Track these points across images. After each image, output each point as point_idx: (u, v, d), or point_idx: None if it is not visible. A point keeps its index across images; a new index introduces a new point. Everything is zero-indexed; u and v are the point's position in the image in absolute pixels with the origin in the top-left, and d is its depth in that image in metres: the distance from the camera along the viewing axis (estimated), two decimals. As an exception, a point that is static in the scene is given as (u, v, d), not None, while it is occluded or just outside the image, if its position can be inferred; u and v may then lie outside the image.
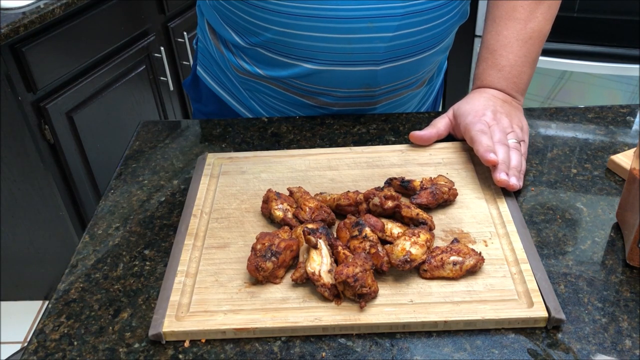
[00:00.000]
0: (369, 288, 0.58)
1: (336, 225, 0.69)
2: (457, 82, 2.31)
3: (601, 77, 2.12)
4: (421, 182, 0.73)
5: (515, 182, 0.73)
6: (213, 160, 0.82)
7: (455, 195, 0.73)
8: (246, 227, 0.71)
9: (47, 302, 1.39)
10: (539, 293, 0.60)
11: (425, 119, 0.92)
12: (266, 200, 0.71)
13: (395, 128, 0.90)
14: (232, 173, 0.80)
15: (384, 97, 0.94)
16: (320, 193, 0.73)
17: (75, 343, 0.60)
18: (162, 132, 0.93)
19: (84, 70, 1.72)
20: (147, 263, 0.69)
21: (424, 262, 0.62)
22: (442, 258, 0.62)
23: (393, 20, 0.82)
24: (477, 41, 2.17)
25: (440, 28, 0.88)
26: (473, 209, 0.72)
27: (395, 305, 0.60)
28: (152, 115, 2.05)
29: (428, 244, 0.63)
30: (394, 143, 0.87)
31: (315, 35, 0.83)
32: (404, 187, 0.74)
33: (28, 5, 1.51)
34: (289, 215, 0.69)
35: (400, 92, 0.95)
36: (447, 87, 2.33)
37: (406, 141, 0.85)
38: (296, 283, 0.62)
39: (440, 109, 1.15)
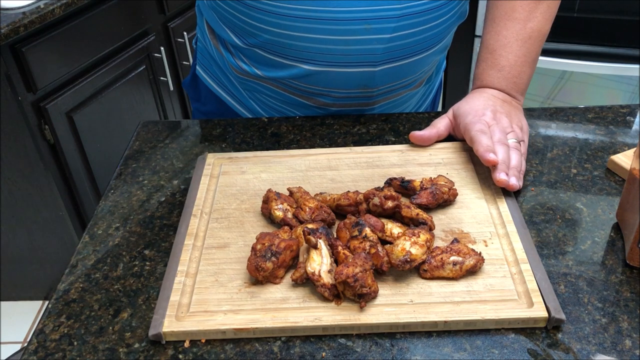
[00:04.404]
0: (369, 288, 0.58)
1: (336, 225, 0.69)
2: (456, 82, 2.31)
3: (601, 77, 2.12)
4: (421, 182, 0.73)
5: (515, 182, 0.73)
6: (213, 160, 0.82)
7: (455, 195, 0.73)
8: (246, 227, 0.71)
9: (47, 302, 1.39)
10: (539, 293, 0.60)
11: (425, 119, 0.92)
12: (266, 200, 0.71)
13: (395, 128, 0.90)
14: (232, 173, 0.80)
15: (382, 97, 0.94)
16: (320, 193, 0.74)
17: (75, 343, 0.60)
18: (162, 132, 0.93)
19: (84, 70, 1.72)
20: (147, 263, 0.69)
21: (424, 262, 0.62)
22: (442, 258, 0.62)
23: (390, 22, 0.82)
24: (477, 41, 2.17)
25: (438, 29, 0.88)
26: (473, 209, 0.72)
27: (395, 305, 0.60)
28: (152, 115, 2.05)
29: (428, 244, 0.63)
30: (394, 143, 0.87)
31: (312, 36, 0.83)
32: (404, 187, 0.74)
33: (28, 5, 1.51)
34: (289, 215, 0.69)
35: (398, 92, 0.95)
36: (447, 87, 2.33)
37: (406, 141, 0.85)
38: (296, 283, 0.62)
39: (440, 109, 1.15)
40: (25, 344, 0.76)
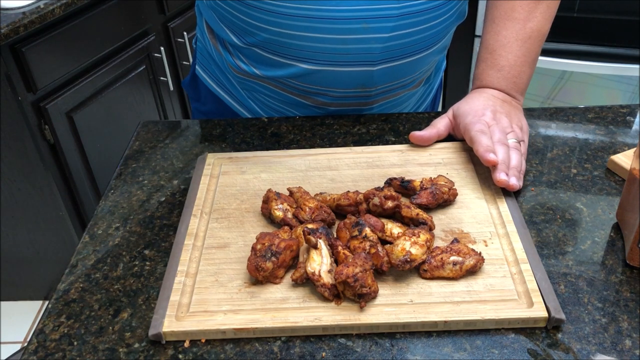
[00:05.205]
0: (369, 288, 0.58)
1: (336, 225, 0.69)
2: (456, 82, 2.31)
3: (601, 77, 2.12)
4: (421, 182, 0.73)
5: (515, 182, 0.73)
6: (213, 160, 0.82)
7: (455, 195, 0.73)
8: (246, 227, 0.71)
9: (47, 302, 1.39)
10: (539, 293, 0.60)
11: (425, 119, 0.92)
12: (266, 200, 0.71)
13: (395, 128, 0.90)
14: (232, 173, 0.80)
15: (380, 96, 0.94)
16: (320, 193, 0.74)
17: (75, 343, 0.60)
18: (162, 132, 0.93)
19: (84, 70, 1.72)
20: (147, 263, 0.69)
21: (424, 262, 0.62)
22: (442, 258, 0.62)
23: (388, 21, 0.82)
24: (476, 41, 2.17)
25: (436, 28, 0.88)
26: (473, 209, 0.72)
27: (395, 305, 0.60)
28: (152, 115, 2.05)
29: (428, 244, 0.63)
30: (394, 143, 0.87)
31: (310, 35, 0.83)
32: (404, 187, 0.74)
33: (28, 5, 1.51)
34: (289, 215, 0.69)
35: (396, 92, 0.95)
36: (447, 87, 2.33)
37: (406, 141, 0.85)
38: (296, 283, 0.62)
39: (439, 109, 1.15)
40: (25, 344, 0.76)
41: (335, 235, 0.68)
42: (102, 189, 1.83)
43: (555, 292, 0.61)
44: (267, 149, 0.86)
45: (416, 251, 0.61)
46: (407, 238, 0.62)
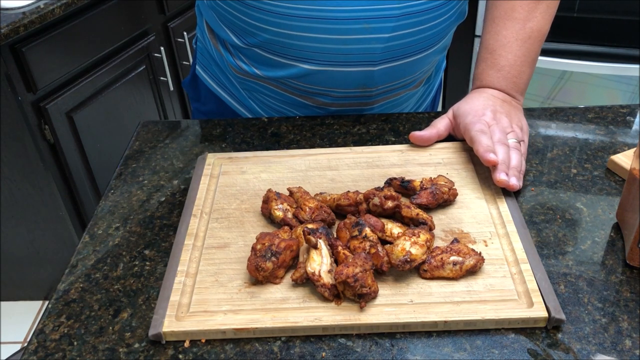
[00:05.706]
0: (369, 288, 0.58)
1: (336, 225, 0.69)
2: (456, 82, 2.31)
3: (601, 77, 2.12)
4: (421, 182, 0.73)
5: (515, 182, 0.73)
6: (213, 160, 0.82)
7: (455, 195, 0.73)
8: (246, 227, 0.71)
9: (47, 302, 1.39)
10: (539, 293, 0.60)
11: (425, 119, 0.92)
12: (266, 200, 0.71)
13: (395, 128, 0.90)
14: (232, 173, 0.80)
15: (381, 97, 0.94)
16: (320, 193, 0.74)
17: (75, 343, 0.60)
18: (162, 132, 0.93)
19: (84, 70, 1.72)
20: (147, 263, 0.69)
21: (424, 262, 0.62)
22: (442, 258, 0.62)
23: (389, 22, 0.82)
24: (476, 41, 2.17)
25: (437, 28, 0.88)
26: (473, 209, 0.72)
27: (395, 305, 0.60)
28: (152, 115, 2.05)
29: (428, 244, 0.63)
30: (394, 143, 0.87)
31: (311, 36, 0.83)
32: (404, 187, 0.74)
33: (28, 5, 1.51)
34: (289, 215, 0.69)
35: (397, 92, 0.95)
36: (447, 87, 2.33)
37: (406, 141, 0.85)
38: (296, 283, 0.62)
39: (439, 109, 1.15)
40: (25, 344, 0.76)
41: (335, 235, 0.68)
42: (102, 189, 1.83)
43: (555, 292, 0.61)
44: (267, 149, 0.86)
45: (416, 251, 0.61)
46: (407, 238, 0.62)
